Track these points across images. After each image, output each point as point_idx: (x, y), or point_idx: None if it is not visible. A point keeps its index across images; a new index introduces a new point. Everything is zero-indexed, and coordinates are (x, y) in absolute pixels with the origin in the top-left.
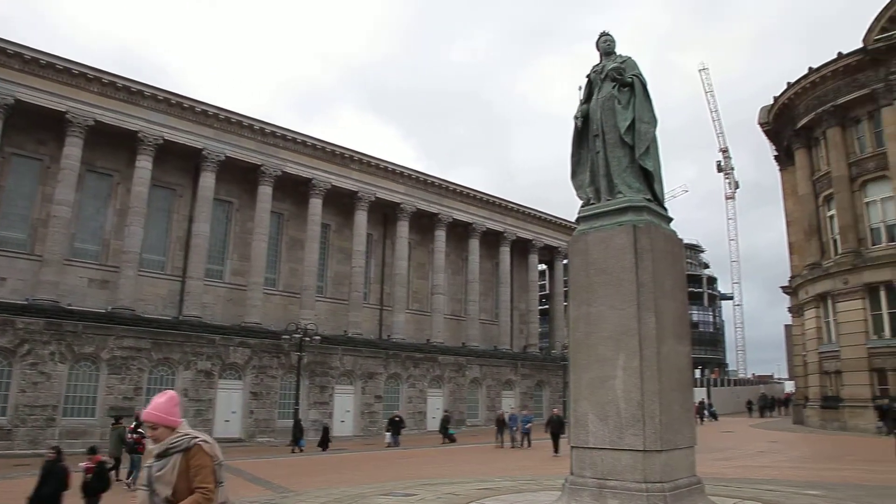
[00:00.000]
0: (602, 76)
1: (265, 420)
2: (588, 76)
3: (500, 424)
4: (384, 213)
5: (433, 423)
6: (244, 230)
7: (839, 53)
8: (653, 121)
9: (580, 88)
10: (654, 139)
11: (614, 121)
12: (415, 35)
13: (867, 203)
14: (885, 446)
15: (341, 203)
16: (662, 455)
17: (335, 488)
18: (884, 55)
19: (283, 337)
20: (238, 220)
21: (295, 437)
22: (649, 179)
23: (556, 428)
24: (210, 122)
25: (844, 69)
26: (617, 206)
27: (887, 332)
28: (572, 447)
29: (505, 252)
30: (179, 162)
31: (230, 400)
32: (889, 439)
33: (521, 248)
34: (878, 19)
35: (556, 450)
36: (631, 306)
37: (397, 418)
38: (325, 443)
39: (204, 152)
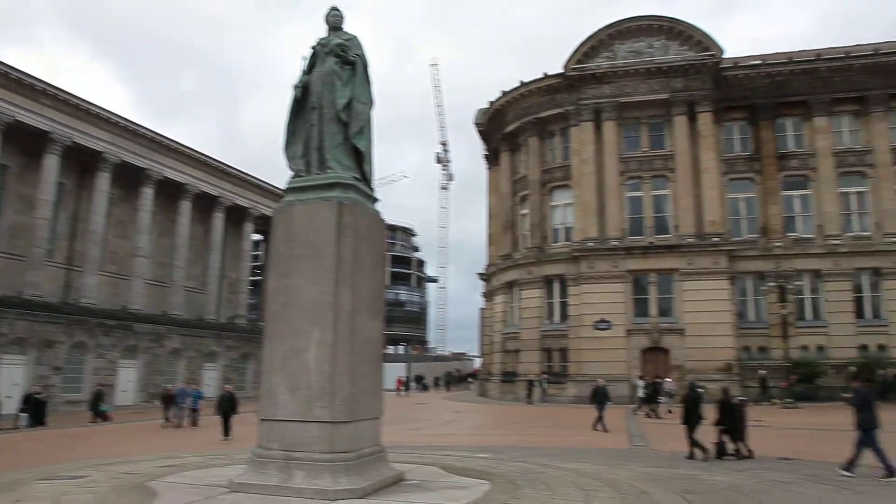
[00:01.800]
0: (326, 50)
1: None
2: (313, 48)
3: (168, 400)
4: (82, 161)
5: (124, 396)
6: None
7: (545, 73)
8: (370, 102)
9: (304, 59)
10: (368, 120)
11: (333, 96)
12: None
13: (552, 206)
14: (542, 413)
15: (27, 142)
16: (349, 426)
17: None
18: (577, 82)
19: None
20: None
21: None
22: (360, 159)
23: (228, 407)
24: None
25: (547, 88)
26: (326, 182)
27: (556, 317)
28: (261, 420)
29: (219, 218)
30: None
31: None
32: (541, 406)
33: (238, 216)
34: (577, 50)
35: (227, 433)
36: (329, 281)
37: (37, 395)
38: None
39: None
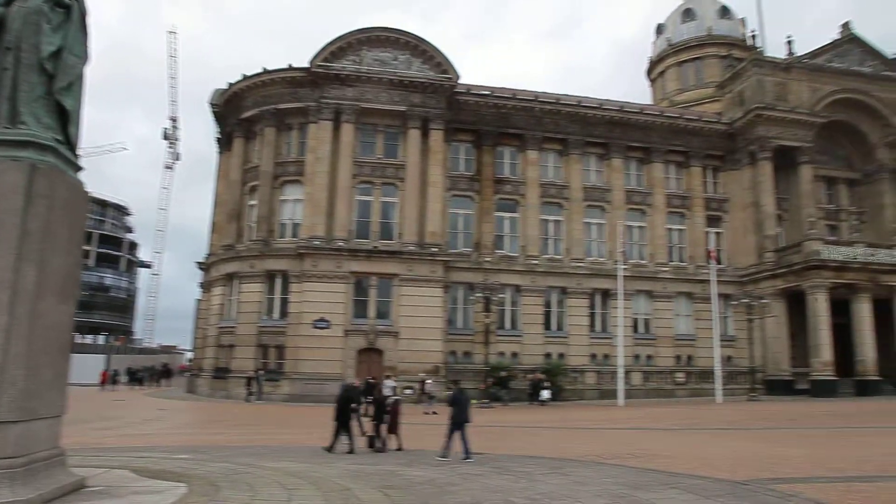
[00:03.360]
0: None
1: None
2: None
3: None
4: None
5: None
6: None
7: (290, 65)
8: (85, 57)
9: None
10: (80, 77)
11: (37, 40)
12: None
13: (282, 201)
14: (254, 411)
15: None
16: (19, 426)
17: None
18: (322, 80)
19: None
20: None
21: None
22: (65, 119)
23: None
24: None
25: (291, 80)
26: (17, 138)
27: (276, 313)
28: None
29: None
30: None
31: None
32: (255, 405)
33: None
34: (325, 48)
35: None
36: (10, 256)
37: None
38: None
39: None
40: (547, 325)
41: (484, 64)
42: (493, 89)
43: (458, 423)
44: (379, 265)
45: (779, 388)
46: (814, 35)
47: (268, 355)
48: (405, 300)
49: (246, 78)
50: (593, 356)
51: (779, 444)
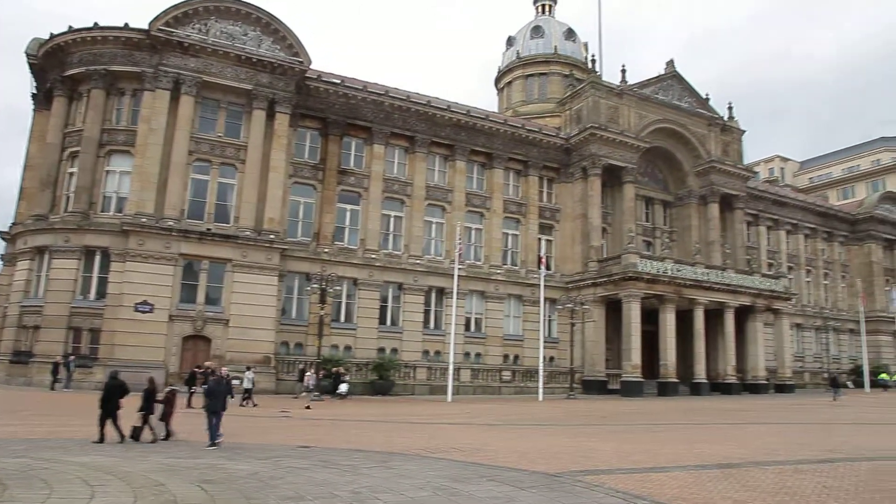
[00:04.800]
0: None
1: None
2: None
3: None
4: None
5: None
6: None
7: (126, 24)
8: None
9: None
10: None
11: None
12: None
13: (108, 171)
14: (61, 400)
15: None
16: None
17: None
18: (162, 46)
19: None
20: None
21: None
22: None
23: None
24: None
25: (127, 41)
26: None
27: (93, 294)
28: None
29: None
30: None
31: None
32: (64, 393)
33: None
34: (167, 12)
35: None
36: None
37: None
38: None
39: None
40: (382, 320)
41: (342, 53)
42: (344, 79)
43: (214, 411)
44: (211, 249)
45: (594, 387)
46: (646, 67)
47: (80, 339)
48: (238, 287)
49: (73, 31)
50: (426, 352)
51: (590, 439)
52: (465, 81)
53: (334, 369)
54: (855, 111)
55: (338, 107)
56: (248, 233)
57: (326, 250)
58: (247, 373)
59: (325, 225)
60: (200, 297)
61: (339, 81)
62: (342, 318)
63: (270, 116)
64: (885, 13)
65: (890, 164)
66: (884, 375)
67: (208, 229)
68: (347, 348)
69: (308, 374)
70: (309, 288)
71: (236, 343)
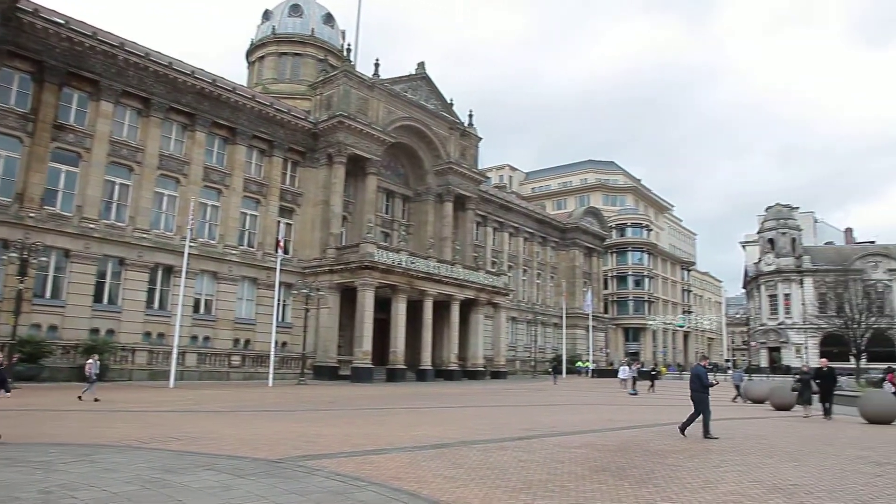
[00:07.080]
0: None
1: None
2: None
3: None
4: None
5: None
6: None
7: None
8: None
9: None
10: None
11: None
12: None
13: None
14: None
15: None
16: None
17: None
18: None
19: None
20: None
21: None
22: None
23: None
24: None
25: None
26: None
27: None
28: None
29: None
30: None
31: None
32: None
33: None
34: None
35: None
36: None
37: None
38: None
39: None
40: (98, 298)
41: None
42: (70, 20)
43: None
44: None
45: (326, 373)
46: (408, 66)
47: None
48: None
49: None
50: (148, 334)
51: (316, 425)
52: (213, 48)
53: (16, 355)
54: (582, 132)
55: (59, 51)
56: None
57: (32, 215)
58: (90, 360)
59: (33, 185)
60: None
61: (62, 22)
62: (48, 294)
63: None
64: (627, 52)
65: (594, 183)
66: (580, 363)
67: None
68: (53, 328)
69: (89, 360)
70: (6, 257)
71: None
